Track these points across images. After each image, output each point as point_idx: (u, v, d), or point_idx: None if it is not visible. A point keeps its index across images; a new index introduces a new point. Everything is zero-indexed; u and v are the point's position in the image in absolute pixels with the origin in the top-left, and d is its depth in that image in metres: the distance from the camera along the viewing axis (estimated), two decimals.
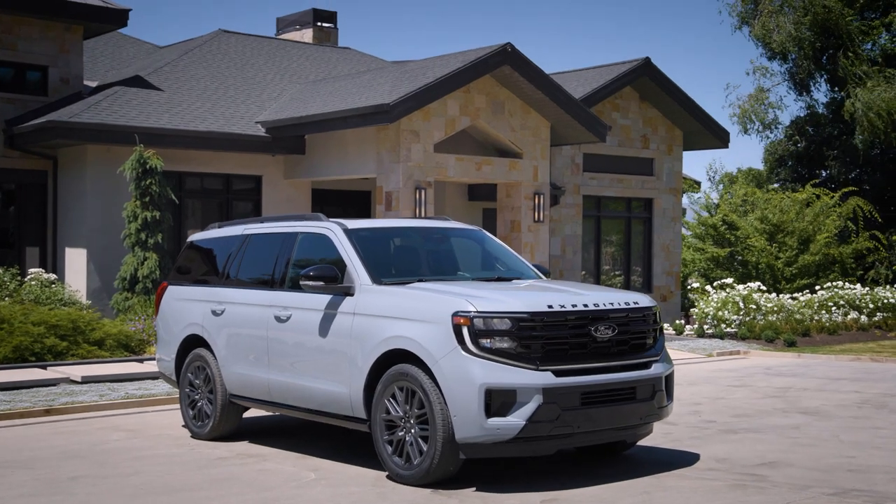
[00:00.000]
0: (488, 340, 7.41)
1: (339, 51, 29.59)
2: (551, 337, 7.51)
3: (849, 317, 22.98)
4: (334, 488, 7.75)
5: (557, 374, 7.41)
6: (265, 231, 9.83)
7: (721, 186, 42.47)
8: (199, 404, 10.19)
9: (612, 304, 7.87)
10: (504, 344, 7.42)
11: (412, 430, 7.75)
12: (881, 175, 37.66)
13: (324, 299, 8.62)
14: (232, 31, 27.78)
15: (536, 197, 21.85)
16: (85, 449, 9.54)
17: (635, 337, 7.93)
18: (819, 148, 38.79)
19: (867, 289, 24.60)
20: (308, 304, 8.79)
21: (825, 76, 37.78)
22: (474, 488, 7.58)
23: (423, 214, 20.11)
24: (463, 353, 7.41)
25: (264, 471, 8.47)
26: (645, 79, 25.31)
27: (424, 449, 7.62)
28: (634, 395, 7.79)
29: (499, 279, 8.98)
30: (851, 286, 24.53)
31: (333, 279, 8.41)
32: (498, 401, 7.32)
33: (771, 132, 39.61)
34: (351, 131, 20.89)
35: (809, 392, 13.08)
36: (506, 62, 20.69)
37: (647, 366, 7.94)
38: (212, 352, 9.98)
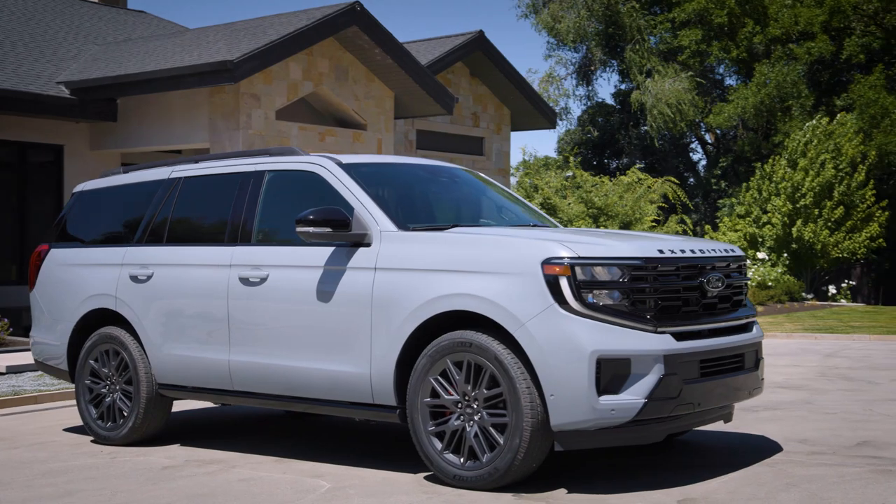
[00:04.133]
0: (591, 295, 5.70)
1: (134, 14, 26.62)
2: (664, 291, 5.88)
3: None
4: (376, 499, 5.79)
5: (677, 337, 5.80)
6: (208, 172, 7.63)
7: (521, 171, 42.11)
8: (107, 400, 7.83)
9: (714, 251, 6.35)
10: (611, 300, 5.72)
11: (476, 418, 5.91)
12: (670, 164, 38.45)
13: (321, 253, 6.60)
14: None
15: None
16: None
17: (736, 292, 6.44)
18: (611, 137, 39.16)
19: None
20: (295, 260, 6.74)
21: (616, 67, 38.19)
22: (565, 490, 5.84)
23: None
24: (563, 312, 5.64)
25: (248, 481, 6.37)
26: (478, 54, 24.06)
27: (500, 441, 5.79)
28: (743, 363, 6.30)
29: (535, 227, 7.24)
30: None
31: (344, 224, 6.40)
32: (608, 373, 5.61)
33: (562, 119, 39.72)
34: (178, 96, 18.34)
35: None
36: (354, 23, 18.79)
37: (748, 328, 6.48)
38: (132, 330, 7.68)
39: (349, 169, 6.85)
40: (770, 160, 27.96)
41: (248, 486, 6.22)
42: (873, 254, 30.25)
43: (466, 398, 5.95)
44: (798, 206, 26.75)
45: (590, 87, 38.49)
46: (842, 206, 26.85)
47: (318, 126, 19.19)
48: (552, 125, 26.17)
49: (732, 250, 6.55)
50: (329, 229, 6.37)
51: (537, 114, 25.79)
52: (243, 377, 6.98)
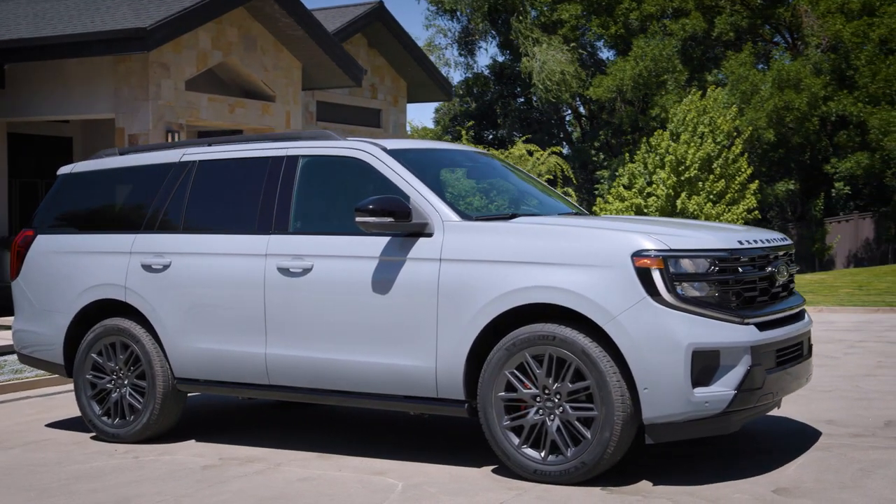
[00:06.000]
0: (681, 287, 5.69)
1: None
2: (745, 281, 5.93)
3: None
4: (464, 497, 5.65)
5: (759, 327, 5.85)
6: (229, 156, 7.25)
7: None
8: (114, 395, 7.40)
9: (775, 240, 6.43)
10: (700, 292, 5.72)
11: (558, 412, 5.83)
12: (548, 137, 38.97)
13: (375, 243, 6.37)
14: None
15: None
16: None
17: (791, 280, 6.56)
18: (489, 109, 39.37)
19: None
20: (345, 250, 6.49)
21: (498, 38, 38.35)
22: (650, 483, 5.84)
23: None
24: (656, 304, 5.60)
25: (309, 480, 6.12)
26: (377, 24, 23.79)
27: (586, 435, 5.74)
28: (802, 351, 6.42)
29: (578, 215, 7.19)
30: None
31: (405, 215, 6.19)
32: (699, 366, 5.62)
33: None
34: (77, 63, 17.46)
35: None
36: None
37: (802, 315, 6.60)
38: (144, 322, 7.26)
39: (396, 155, 6.63)
40: (655, 133, 28.64)
41: (314, 486, 5.98)
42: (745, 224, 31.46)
43: (546, 392, 5.87)
44: (682, 178, 27.51)
45: (470, 58, 38.59)
46: (723, 180, 27.76)
47: (227, 97, 18.63)
48: (448, 97, 26.15)
49: (785, 239, 6.65)
50: (391, 219, 6.16)
51: (433, 85, 25.72)
52: (282, 371, 6.70)
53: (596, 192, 34.29)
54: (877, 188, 36.33)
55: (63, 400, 9.36)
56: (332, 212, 6.85)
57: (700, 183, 27.71)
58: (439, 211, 6.27)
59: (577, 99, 38.75)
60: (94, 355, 7.45)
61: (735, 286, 5.85)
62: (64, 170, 8.10)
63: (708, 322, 5.63)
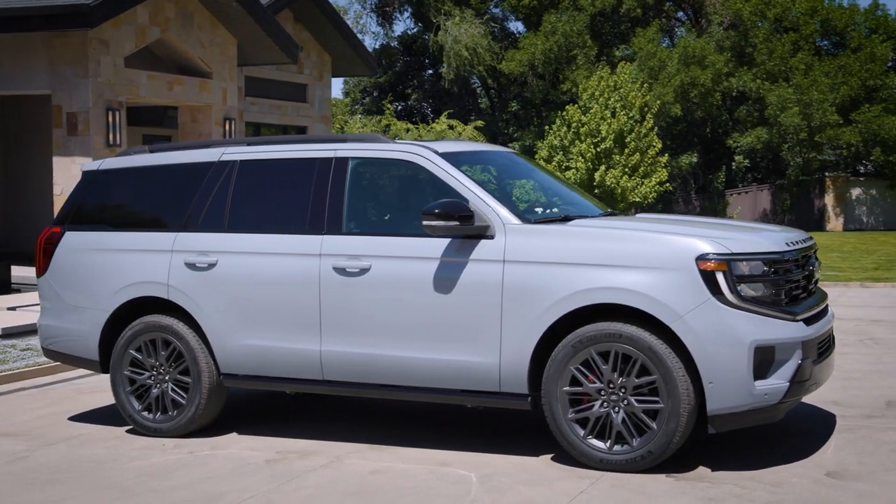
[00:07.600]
0: (742, 288, 6.13)
1: None
2: (791, 280, 6.41)
3: None
4: (543, 486, 6.00)
5: (806, 323, 6.33)
6: (274, 157, 7.36)
7: None
8: (154, 391, 7.49)
9: (808, 239, 6.93)
10: (758, 292, 6.17)
11: (623, 404, 6.22)
12: (458, 109, 39.31)
13: (435, 244, 6.61)
14: None
15: (227, 122, 19.56)
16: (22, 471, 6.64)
17: (818, 277, 7.08)
18: (399, 80, 39.45)
19: None
20: (404, 251, 6.71)
21: (410, 10, 38.40)
22: (708, 469, 6.28)
23: (117, 141, 17.05)
24: (721, 304, 6.03)
25: (381, 473, 6.36)
26: None
27: (652, 426, 6.14)
28: (831, 342, 6.94)
29: (613, 215, 7.56)
30: None
31: (468, 218, 6.46)
32: (758, 360, 6.08)
33: None
34: (8, 38, 16.99)
35: None
36: None
37: (828, 308, 7.12)
38: (188, 319, 7.35)
39: (449, 158, 6.88)
40: (567, 108, 29.23)
41: (390, 479, 6.24)
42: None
43: (611, 386, 6.24)
44: (598, 150, 28.21)
45: (387, 28, 38.59)
46: (638, 153, 28.60)
47: (166, 75, 18.41)
48: (373, 71, 26.20)
49: (811, 238, 7.16)
50: (456, 223, 6.42)
51: (358, 60, 25.75)
52: (338, 367, 6.91)
53: None
54: (773, 161, 37.84)
55: (63, 392, 9.33)
56: (386, 213, 7.07)
57: (615, 156, 28.48)
58: (499, 214, 6.56)
59: (488, 71, 39.16)
60: (132, 351, 7.51)
61: (785, 285, 6.31)
62: (89, 166, 8.07)
63: (766, 320, 6.09)
